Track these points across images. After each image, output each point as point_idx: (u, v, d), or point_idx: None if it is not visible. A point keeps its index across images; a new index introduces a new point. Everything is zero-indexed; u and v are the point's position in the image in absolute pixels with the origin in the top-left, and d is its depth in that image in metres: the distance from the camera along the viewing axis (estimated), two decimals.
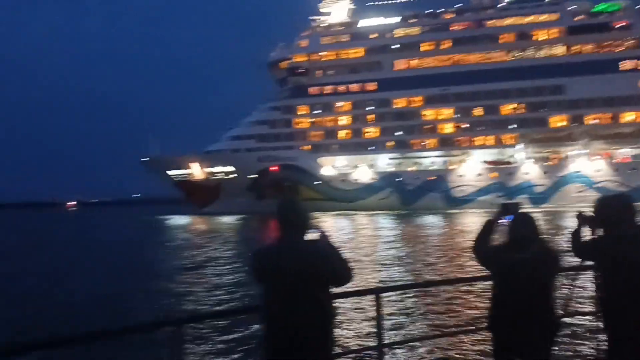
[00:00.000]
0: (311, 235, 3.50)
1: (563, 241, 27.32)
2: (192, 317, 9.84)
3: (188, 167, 74.15)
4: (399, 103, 70.45)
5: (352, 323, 12.70)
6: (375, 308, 4.50)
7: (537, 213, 48.19)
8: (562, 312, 4.34)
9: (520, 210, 4.11)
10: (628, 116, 63.16)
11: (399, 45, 71.04)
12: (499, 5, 70.07)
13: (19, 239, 46.71)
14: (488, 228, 4.19)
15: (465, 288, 15.25)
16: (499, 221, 4.14)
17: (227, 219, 61.53)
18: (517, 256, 3.90)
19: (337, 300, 3.64)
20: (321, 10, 77.12)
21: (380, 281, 18.55)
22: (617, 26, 64.20)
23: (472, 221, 47.17)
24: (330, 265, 3.38)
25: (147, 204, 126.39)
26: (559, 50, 65.97)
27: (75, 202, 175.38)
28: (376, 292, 4.57)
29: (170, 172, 75.11)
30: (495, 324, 4.02)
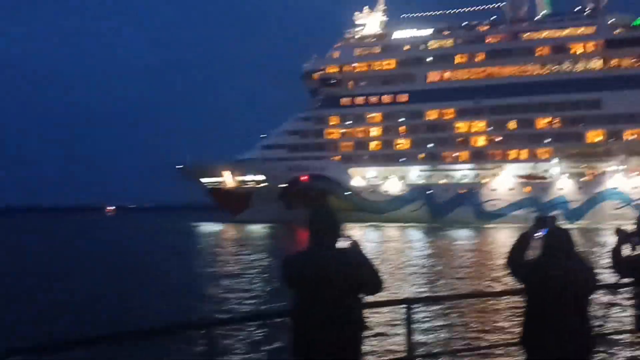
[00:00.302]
0: (342, 244, 3.49)
1: (598, 258, 26.74)
2: (223, 320, 10.19)
3: (220, 175, 75.20)
4: (431, 115, 70.08)
5: (381, 333, 12.62)
6: (406, 319, 4.47)
7: (571, 230, 46.80)
8: (598, 329, 4.28)
9: (556, 224, 4.05)
10: None
11: (432, 57, 70.82)
12: (535, 18, 69.29)
13: (53, 243, 47.94)
14: (523, 242, 4.10)
15: (496, 302, 15.06)
16: (535, 235, 4.06)
17: (257, 228, 62.06)
18: (551, 271, 3.82)
19: (367, 309, 3.63)
20: (356, 22, 77.56)
21: (409, 293, 18.46)
22: None
23: (504, 236, 46.48)
24: (361, 274, 3.38)
25: (184, 210, 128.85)
26: (596, 64, 64.72)
27: (113, 207, 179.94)
28: (408, 302, 4.54)
29: (203, 180, 76.31)
30: (528, 339, 3.94)
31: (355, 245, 3.51)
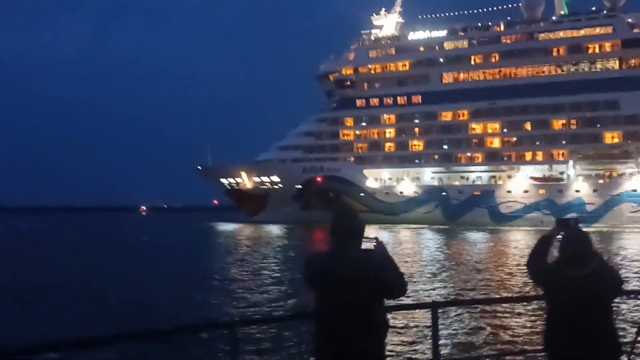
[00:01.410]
0: (367, 244, 3.43)
1: (618, 262, 26.41)
2: (246, 320, 10.23)
3: (238, 176, 75.68)
4: (446, 116, 69.85)
5: (405, 336, 12.53)
6: (432, 322, 4.40)
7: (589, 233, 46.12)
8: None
9: (577, 226, 3.94)
10: None
11: (446, 58, 70.57)
12: (553, 18, 68.73)
13: (88, 241, 48.89)
14: (543, 245, 4.00)
15: (520, 307, 14.96)
16: (556, 238, 3.94)
17: (274, 228, 62.29)
18: (572, 273, 3.72)
19: (391, 312, 3.58)
20: (374, 23, 77.60)
21: (426, 296, 18.47)
22: None
23: (520, 238, 46.14)
24: (385, 276, 3.30)
25: (210, 211, 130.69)
26: (614, 64, 64.04)
27: (146, 207, 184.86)
28: (433, 306, 4.47)
29: (223, 181, 76.88)
30: (551, 344, 3.84)
31: (380, 246, 3.44)
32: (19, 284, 22.74)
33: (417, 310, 11.88)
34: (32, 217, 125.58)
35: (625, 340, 4.11)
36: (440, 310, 4.73)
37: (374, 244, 3.44)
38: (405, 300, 4.00)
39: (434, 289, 20.03)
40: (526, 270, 4.08)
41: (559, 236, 3.90)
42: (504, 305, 15.33)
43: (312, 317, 3.51)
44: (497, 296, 17.52)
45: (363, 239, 3.43)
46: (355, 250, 3.38)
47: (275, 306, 17.30)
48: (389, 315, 3.49)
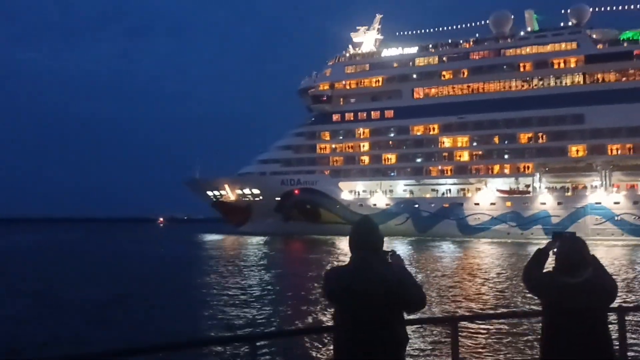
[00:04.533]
0: (385, 258, 3.42)
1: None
2: (265, 334, 10.65)
3: (222, 189, 78.34)
4: (417, 130, 71.54)
5: (424, 349, 12.34)
6: (451, 336, 4.31)
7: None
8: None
9: (571, 234, 4.02)
10: None
11: (418, 74, 72.39)
12: (521, 34, 70.09)
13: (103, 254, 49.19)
14: (540, 257, 4.02)
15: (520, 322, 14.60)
16: (552, 251, 3.97)
17: (256, 239, 64.23)
18: (568, 281, 3.74)
19: (409, 326, 3.60)
20: (353, 40, 79.86)
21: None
22: (639, 54, 62.63)
23: (487, 250, 46.97)
24: (404, 290, 3.29)
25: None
26: (578, 78, 65.05)
27: (163, 219, 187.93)
28: (453, 320, 4.39)
29: (208, 193, 79.60)
30: (548, 354, 3.82)
31: (397, 259, 3.44)
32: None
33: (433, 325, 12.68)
34: (55, 228, 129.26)
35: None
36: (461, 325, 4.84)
37: (391, 255, 3.45)
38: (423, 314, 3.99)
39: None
40: (524, 283, 4.08)
41: (555, 250, 3.92)
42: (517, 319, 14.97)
43: (331, 331, 3.52)
44: (517, 310, 17.18)
45: (382, 253, 3.43)
46: (376, 264, 3.36)
47: (289, 320, 17.07)
48: (406, 328, 3.46)
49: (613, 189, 61.14)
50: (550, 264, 3.95)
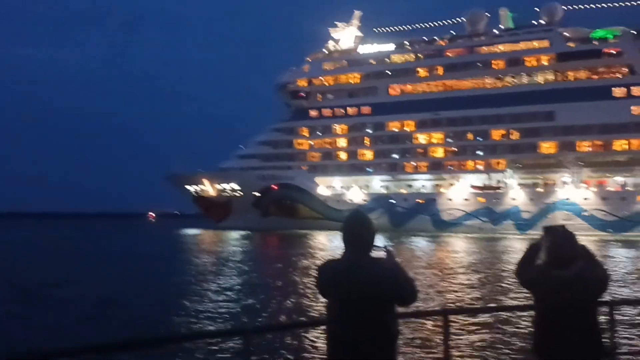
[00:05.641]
0: (377, 253, 3.40)
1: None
2: (259, 327, 10.46)
3: (202, 184, 78.91)
4: (393, 127, 72.42)
5: (416, 342, 12.52)
6: (443, 329, 4.40)
7: (523, 240, 48.72)
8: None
9: (561, 227, 4.03)
10: (620, 144, 62.31)
11: (394, 71, 73.15)
12: (494, 32, 70.95)
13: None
14: (532, 252, 4.04)
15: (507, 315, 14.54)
16: (544, 245, 3.97)
17: (235, 234, 64.83)
18: (559, 274, 3.78)
19: (401, 319, 3.62)
20: (332, 36, 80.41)
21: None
22: (609, 53, 63.67)
23: (462, 245, 47.64)
24: (397, 285, 3.32)
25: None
26: (550, 76, 66.08)
27: (154, 214, 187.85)
28: (444, 313, 4.46)
29: (189, 188, 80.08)
30: (539, 345, 3.89)
31: (390, 255, 3.41)
32: None
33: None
34: (44, 224, 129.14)
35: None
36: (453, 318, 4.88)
37: (384, 252, 3.42)
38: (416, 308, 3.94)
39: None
40: (515, 278, 4.11)
41: (547, 243, 3.93)
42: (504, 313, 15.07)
43: (324, 325, 3.56)
44: (510, 304, 17.24)
45: (374, 248, 3.42)
46: (369, 259, 3.37)
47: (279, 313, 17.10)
48: (399, 322, 3.49)
49: (582, 185, 62.35)
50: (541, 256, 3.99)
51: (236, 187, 76.35)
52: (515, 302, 16.86)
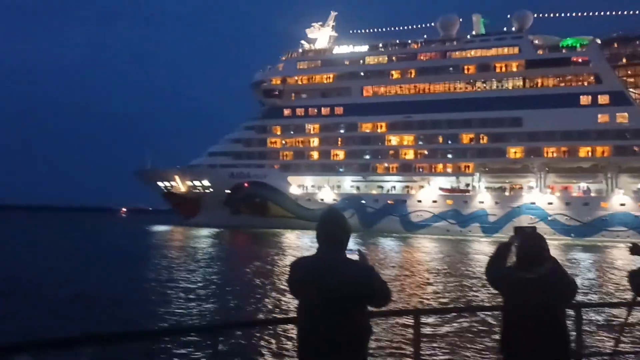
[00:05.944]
0: (350, 256, 3.37)
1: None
2: (228, 324, 10.34)
3: (173, 180, 78.46)
4: (365, 128, 73.04)
5: (385, 342, 12.69)
6: (414, 329, 4.34)
7: (489, 243, 49.71)
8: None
9: (531, 228, 4.07)
10: (585, 151, 63.87)
11: (367, 73, 73.75)
12: (467, 37, 72.03)
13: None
14: (502, 251, 4.06)
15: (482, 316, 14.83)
16: (513, 245, 4.00)
17: (204, 231, 64.65)
18: (524, 275, 3.79)
19: (374, 318, 3.64)
20: (308, 36, 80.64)
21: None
22: (576, 61, 65.20)
23: (430, 247, 48.43)
24: (371, 286, 3.28)
25: None
26: (519, 82, 67.40)
27: (125, 209, 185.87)
28: (416, 313, 4.45)
29: (159, 184, 79.56)
30: (506, 347, 3.90)
31: (362, 258, 3.37)
32: None
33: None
34: (12, 216, 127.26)
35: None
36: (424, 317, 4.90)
37: (357, 255, 3.39)
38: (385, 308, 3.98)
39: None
40: (486, 277, 4.14)
41: (516, 244, 3.96)
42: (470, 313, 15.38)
43: (295, 322, 3.50)
44: (481, 304, 17.52)
45: (347, 247, 3.39)
46: (343, 258, 3.34)
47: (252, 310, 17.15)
48: (371, 322, 3.48)
49: (547, 190, 63.81)
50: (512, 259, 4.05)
51: (207, 184, 76.11)
52: (485, 303, 17.28)
